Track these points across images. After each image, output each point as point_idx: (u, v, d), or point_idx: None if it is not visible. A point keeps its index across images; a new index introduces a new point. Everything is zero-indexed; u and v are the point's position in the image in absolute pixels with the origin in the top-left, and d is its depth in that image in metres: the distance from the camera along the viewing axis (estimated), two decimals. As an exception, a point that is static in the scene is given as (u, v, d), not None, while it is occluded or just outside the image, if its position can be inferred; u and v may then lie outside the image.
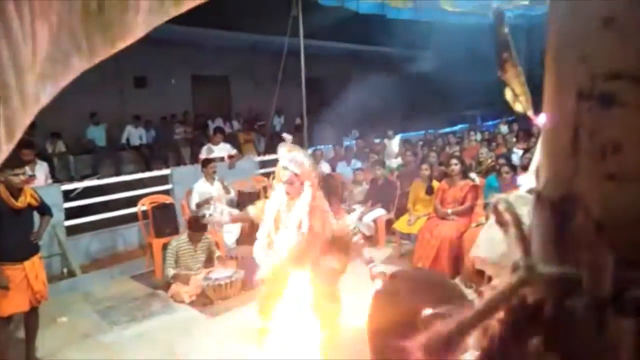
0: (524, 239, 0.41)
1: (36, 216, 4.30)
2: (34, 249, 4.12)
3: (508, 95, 0.65)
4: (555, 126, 0.40)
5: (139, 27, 0.94)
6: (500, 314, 0.38)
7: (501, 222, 0.45)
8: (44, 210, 4.34)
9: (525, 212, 0.47)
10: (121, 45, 0.95)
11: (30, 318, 4.15)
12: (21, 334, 4.28)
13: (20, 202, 3.93)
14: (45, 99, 0.86)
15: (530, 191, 0.48)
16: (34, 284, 4.00)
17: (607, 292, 0.33)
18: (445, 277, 1.06)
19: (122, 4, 0.88)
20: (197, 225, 5.51)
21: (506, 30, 0.61)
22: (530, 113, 0.66)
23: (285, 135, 3.86)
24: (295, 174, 3.55)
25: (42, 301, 4.14)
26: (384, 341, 0.95)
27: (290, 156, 3.53)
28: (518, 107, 0.66)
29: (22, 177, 3.91)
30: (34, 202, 4.11)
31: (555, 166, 0.39)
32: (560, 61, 0.39)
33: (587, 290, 0.34)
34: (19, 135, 0.82)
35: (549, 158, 0.41)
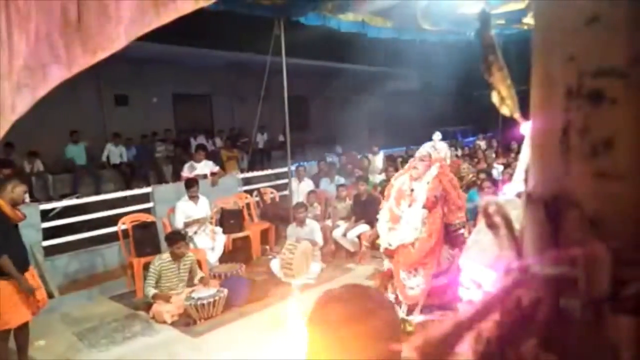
0: (515, 241, 0.41)
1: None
2: (28, 260, 4.34)
3: (495, 98, 0.66)
4: (544, 126, 0.39)
5: (120, 37, 0.93)
6: (496, 316, 0.38)
7: (491, 225, 0.44)
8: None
9: (515, 216, 0.46)
10: (102, 55, 0.93)
11: (22, 329, 4.21)
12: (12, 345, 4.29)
13: (18, 216, 4.16)
14: (22, 107, 0.84)
15: (519, 195, 0.47)
16: (36, 293, 4.14)
17: (604, 290, 0.32)
18: (368, 289, 1.07)
19: (102, 14, 0.87)
20: (173, 239, 5.47)
21: (492, 32, 0.62)
22: (517, 116, 0.66)
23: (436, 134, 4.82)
24: (429, 156, 4.69)
25: (41, 309, 4.31)
26: None
27: (434, 144, 4.30)
28: (505, 111, 0.66)
29: (22, 189, 4.21)
30: (21, 217, 4.26)
31: (545, 166, 0.39)
32: (547, 60, 0.39)
33: (583, 289, 0.33)
34: None
35: (538, 158, 0.40)
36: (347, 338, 0.95)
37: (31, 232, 5.71)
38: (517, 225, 0.44)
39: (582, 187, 0.35)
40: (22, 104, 0.83)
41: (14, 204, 4.14)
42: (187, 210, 6.61)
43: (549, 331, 0.35)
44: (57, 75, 0.87)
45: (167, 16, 1.01)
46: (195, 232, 6.53)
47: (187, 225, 6.48)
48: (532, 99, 0.42)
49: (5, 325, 4.00)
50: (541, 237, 0.38)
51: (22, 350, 4.26)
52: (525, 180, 0.44)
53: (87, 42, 0.88)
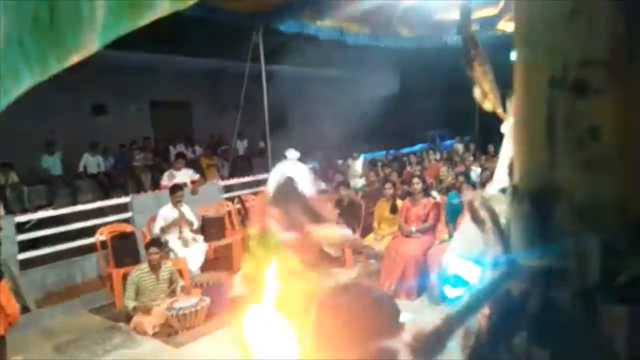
0: (502, 234, 0.40)
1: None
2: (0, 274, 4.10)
3: (476, 93, 0.66)
4: (527, 118, 0.39)
5: (94, 41, 0.91)
6: (485, 309, 0.37)
7: (477, 220, 0.44)
8: None
9: (499, 211, 0.46)
10: (76, 58, 0.91)
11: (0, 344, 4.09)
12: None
13: None
14: None
15: (503, 190, 0.47)
16: (7, 308, 3.97)
17: (595, 280, 0.32)
18: (369, 285, 1.12)
19: (75, 17, 0.85)
20: (147, 244, 5.48)
21: (473, 27, 0.62)
22: (499, 111, 0.66)
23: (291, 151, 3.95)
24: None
25: (14, 323, 4.13)
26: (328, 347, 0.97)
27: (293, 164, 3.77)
28: (487, 106, 0.66)
29: None
30: None
31: (530, 158, 0.38)
32: (531, 53, 0.39)
33: (573, 280, 0.33)
34: None
35: (523, 151, 0.40)
36: (353, 332, 0.96)
37: (6, 244, 5.54)
38: (502, 220, 0.43)
39: (569, 178, 0.35)
40: None
41: None
42: (169, 218, 6.51)
43: (539, 323, 0.34)
44: (30, 79, 0.85)
45: (143, 19, 0.99)
46: (178, 237, 6.44)
47: (163, 230, 6.37)
48: (515, 93, 0.42)
49: None
50: (528, 230, 0.38)
51: None
52: (510, 175, 0.44)
53: (59, 46, 0.85)
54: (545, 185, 0.36)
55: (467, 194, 6.11)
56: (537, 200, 0.37)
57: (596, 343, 0.32)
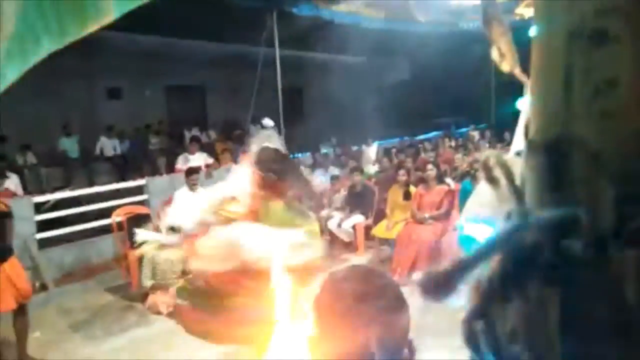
0: (516, 190, 0.41)
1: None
2: (9, 251, 4.25)
3: (494, 54, 0.65)
4: (545, 71, 0.39)
5: (111, 10, 0.92)
6: (498, 257, 0.38)
7: (491, 179, 0.44)
8: (9, 214, 4.45)
9: (515, 173, 0.46)
10: (94, 27, 0.92)
11: (20, 317, 4.26)
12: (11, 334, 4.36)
13: None
14: (12, 75, 0.83)
15: (518, 154, 0.47)
16: (17, 282, 4.13)
17: (608, 226, 0.32)
18: (373, 268, 1.12)
19: (94, -15, 0.86)
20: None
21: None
22: (517, 71, 0.66)
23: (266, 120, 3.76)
24: None
25: (28, 297, 4.28)
26: (330, 320, 0.98)
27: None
28: (505, 67, 0.65)
29: None
30: (4, 208, 4.24)
31: (547, 111, 0.39)
32: (549, 4, 0.39)
33: (586, 228, 0.33)
34: None
35: (541, 104, 0.40)
36: (358, 316, 0.95)
37: (25, 224, 5.67)
38: (517, 178, 0.44)
39: (586, 127, 0.35)
40: (13, 72, 0.83)
41: None
42: (185, 201, 6.56)
43: (552, 270, 0.35)
44: (48, 46, 0.86)
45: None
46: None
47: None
48: (533, 46, 0.42)
49: None
50: (543, 181, 0.38)
51: (21, 340, 4.31)
52: (525, 135, 0.44)
53: (78, 14, 0.87)
54: (561, 136, 0.37)
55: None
56: (552, 150, 0.38)
57: (607, 288, 0.33)
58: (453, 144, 11.36)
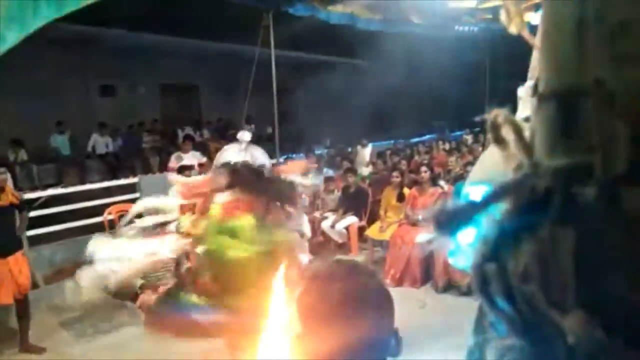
0: (526, 146, 0.40)
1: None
2: (17, 245, 4.42)
3: (503, 16, 0.65)
4: (557, 20, 0.39)
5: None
6: (507, 202, 0.38)
7: (499, 139, 0.44)
8: (23, 207, 4.67)
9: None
10: None
11: (22, 307, 4.44)
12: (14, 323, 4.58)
13: (3, 201, 4.24)
14: (11, 39, 0.82)
15: (526, 119, 0.47)
16: (18, 278, 4.27)
17: (621, 168, 0.32)
18: (355, 263, 1.13)
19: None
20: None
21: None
22: (525, 34, 0.65)
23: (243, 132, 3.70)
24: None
25: (25, 293, 4.45)
26: (314, 318, 0.97)
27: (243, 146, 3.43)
28: (512, 29, 0.65)
29: (2, 177, 4.26)
30: (15, 200, 4.39)
31: (559, 62, 0.38)
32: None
33: (599, 172, 0.33)
34: None
35: (552, 57, 0.40)
36: (343, 314, 0.94)
37: (15, 221, 5.61)
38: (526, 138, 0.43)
39: (599, 73, 0.35)
40: (12, 35, 0.82)
41: None
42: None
43: (565, 212, 0.35)
44: (47, 13, 0.85)
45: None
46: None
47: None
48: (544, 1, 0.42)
49: None
50: (554, 130, 0.38)
51: (23, 328, 4.47)
52: (534, 93, 0.44)
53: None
54: (573, 83, 0.37)
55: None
56: (564, 98, 0.38)
57: (621, 227, 0.33)
58: (447, 147, 11.41)
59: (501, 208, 0.38)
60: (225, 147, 3.35)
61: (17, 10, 0.74)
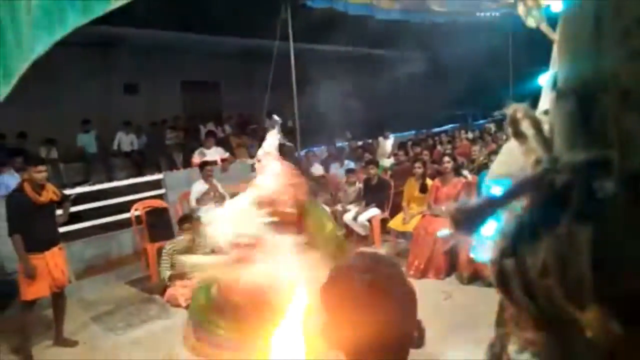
0: (545, 140, 0.41)
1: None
2: (54, 240, 4.53)
3: (520, 9, 0.64)
4: (576, 17, 0.39)
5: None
6: (527, 198, 0.38)
7: (518, 133, 0.44)
8: (66, 198, 4.86)
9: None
10: (118, 3, 0.93)
11: (58, 300, 4.57)
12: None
13: (44, 197, 4.35)
14: (40, 48, 0.84)
15: (545, 112, 0.47)
16: (53, 272, 4.38)
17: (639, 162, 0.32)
18: (379, 255, 1.12)
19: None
20: (180, 219, 5.76)
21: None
22: (543, 26, 0.65)
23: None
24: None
25: (62, 287, 4.55)
26: (336, 313, 0.98)
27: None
28: (530, 22, 0.65)
29: (43, 174, 4.37)
30: (55, 197, 4.50)
31: (577, 58, 0.38)
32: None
33: (617, 167, 0.33)
34: (15, 77, 0.81)
35: (569, 54, 0.40)
36: (367, 306, 0.95)
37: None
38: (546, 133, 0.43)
39: (616, 68, 0.35)
40: (41, 45, 0.84)
41: (39, 187, 4.35)
42: (201, 190, 6.64)
43: (584, 208, 0.35)
44: (73, 20, 0.88)
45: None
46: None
47: (198, 202, 6.47)
48: None
49: (23, 296, 4.32)
50: (573, 126, 0.38)
51: (58, 320, 4.60)
52: (553, 88, 0.44)
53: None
54: (591, 78, 0.37)
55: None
56: (582, 93, 0.38)
57: (639, 223, 0.33)
58: (470, 136, 11.26)
59: (521, 203, 0.38)
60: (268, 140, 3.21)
61: (43, 20, 0.76)
